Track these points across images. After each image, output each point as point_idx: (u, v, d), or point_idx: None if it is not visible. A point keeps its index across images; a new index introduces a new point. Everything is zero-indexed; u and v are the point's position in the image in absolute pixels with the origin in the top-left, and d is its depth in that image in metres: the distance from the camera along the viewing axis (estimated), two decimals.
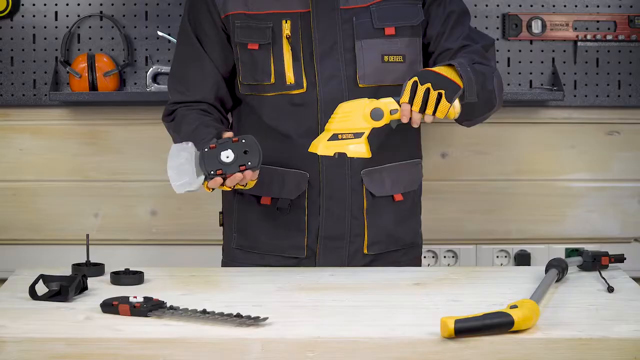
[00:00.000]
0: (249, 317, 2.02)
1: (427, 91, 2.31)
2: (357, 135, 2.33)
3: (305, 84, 2.54)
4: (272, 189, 2.61)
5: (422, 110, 2.31)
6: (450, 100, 2.31)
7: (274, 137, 2.58)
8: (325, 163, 2.58)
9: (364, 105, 2.34)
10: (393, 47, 2.56)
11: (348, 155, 2.33)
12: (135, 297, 2.12)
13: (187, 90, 2.63)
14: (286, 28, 2.55)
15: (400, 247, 2.69)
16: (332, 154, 2.33)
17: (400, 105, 2.33)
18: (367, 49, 2.55)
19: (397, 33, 2.57)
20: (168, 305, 2.11)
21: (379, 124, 2.34)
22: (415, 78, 2.32)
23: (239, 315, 2.03)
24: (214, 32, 2.60)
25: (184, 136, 2.51)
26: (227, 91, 2.65)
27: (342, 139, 2.33)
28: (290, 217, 2.62)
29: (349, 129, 2.33)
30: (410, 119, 2.33)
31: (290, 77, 2.55)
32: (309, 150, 2.36)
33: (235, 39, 2.58)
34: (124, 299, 2.12)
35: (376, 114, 2.33)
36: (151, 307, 2.09)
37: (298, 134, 2.57)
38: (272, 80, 2.56)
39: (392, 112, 2.34)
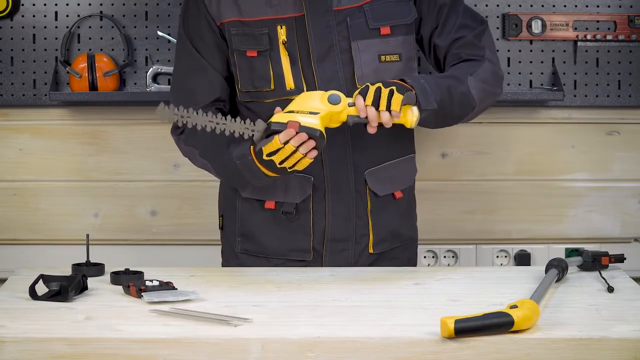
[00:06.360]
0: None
1: (379, 89, 2.34)
2: (313, 113, 2.35)
3: (305, 88, 2.54)
4: (276, 193, 2.61)
5: (376, 105, 2.33)
6: (401, 92, 2.33)
7: None
8: (329, 166, 2.58)
9: (323, 92, 2.38)
10: (389, 46, 2.57)
11: (300, 124, 2.33)
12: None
13: (195, 101, 2.58)
14: (282, 33, 2.54)
15: (401, 243, 2.70)
16: (285, 121, 2.33)
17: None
18: (364, 50, 2.55)
19: (393, 32, 2.57)
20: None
21: (335, 108, 2.36)
22: (368, 84, 2.37)
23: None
24: (212, 39, 2.59)
25: (209, 142, 2.51)
26: (229, 94, 2.64)
27: (297, 113, 2.35)
28: (296, 220, 2.62)
29: (306, 107, 2.35)
30: (368, 119, 2.35)
31: (289, 82, 2.55)
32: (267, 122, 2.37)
33: (233, 46, 2.57)
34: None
35: (333, 98, 2.36)
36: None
37: None
38: (272, 86, 2.56)
39: (349, 104, 2.37)
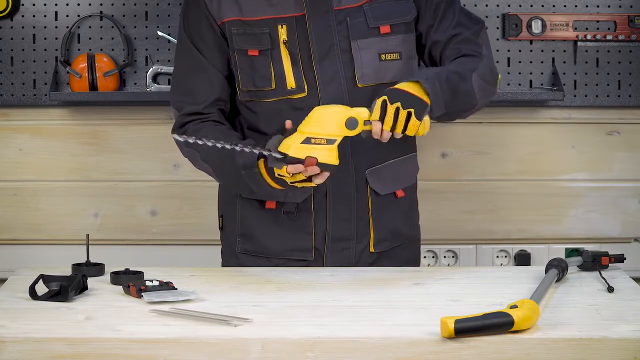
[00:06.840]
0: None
1: (397, 110, 2.33)
2: (330, 141, 2.33)
3: (306, 88, 2.54)
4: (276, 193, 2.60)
5: (393, 129, 2.33)
6: (419, 118, 2.33)
7: None
8: None
9: (340, 112, 2.34)
10: (389, 45, 2.56)
11: (318, 161, 2.32)
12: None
13: (196, 101, 2.59)
14: (282, 33, 2.54)
15: (402, 242, 2.70)
16: (303, 157, 2.32)
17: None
18: (364, 49, 2.55)
19: (392, 31, 2.57)
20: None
21: (352, 133, 2.34)
22: (385, 97, 2.34)
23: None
24: (212, 38, 2.58)
25: (209, 150, 2.50)
26: (229, 94, 2.64)
27: (314, 143, 2.32)
28: (297, 220, 2.61)
29: (322, 134, 2.33)
30: (382, 138, 2.35)
31: (291, 81, 2.54)
32: (278, 149, 2.35)
33: (234, 45, 2.57)
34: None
35: (351, 123, 2.34)
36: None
37: None
38: (273, 85, 2.56)
39: (365, 122, 2.35)
